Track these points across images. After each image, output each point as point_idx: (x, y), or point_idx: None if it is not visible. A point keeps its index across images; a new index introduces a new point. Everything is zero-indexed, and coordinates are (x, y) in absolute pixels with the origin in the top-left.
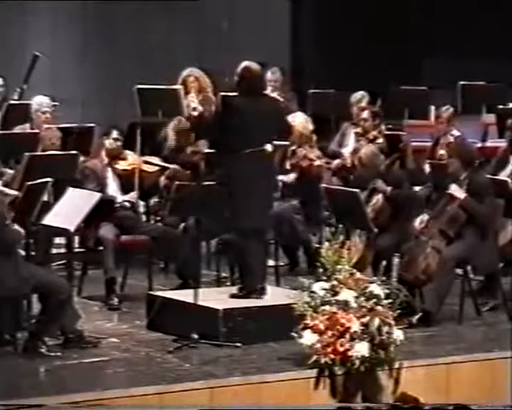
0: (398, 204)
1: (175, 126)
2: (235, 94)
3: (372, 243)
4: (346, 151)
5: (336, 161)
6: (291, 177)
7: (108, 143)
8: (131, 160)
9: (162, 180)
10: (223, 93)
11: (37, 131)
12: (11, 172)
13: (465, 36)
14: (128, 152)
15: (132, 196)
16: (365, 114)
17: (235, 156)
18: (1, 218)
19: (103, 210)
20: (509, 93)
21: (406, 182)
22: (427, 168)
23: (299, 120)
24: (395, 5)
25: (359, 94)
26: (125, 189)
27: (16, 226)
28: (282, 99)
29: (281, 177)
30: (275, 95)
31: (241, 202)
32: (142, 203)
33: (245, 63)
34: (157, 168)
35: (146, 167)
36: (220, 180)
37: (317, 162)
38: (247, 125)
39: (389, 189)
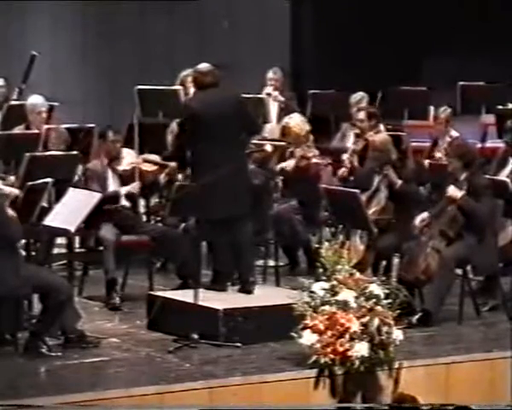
0: (403, 201)
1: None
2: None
3: (373, 244)
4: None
5: (341, 170)
6: (291, 164)
7: (106, 144)
8: (130, 159)
9: (162, 178)
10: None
11: (36, 131)
12: (12, 178)
13: (465, 36)
14: (127, 151)
15: (134, 186)
16: (361, 115)
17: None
18: (1, 212)
19: (106, 204)
20: (509, 93)
21: (413, 181)
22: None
23: (296, 121)
24: (395, 5)
25: (359, 95)
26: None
27: (17, 223)
28: (282, 98)
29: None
30: (276, 94)
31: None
32: (142, 203)
33: None
34: (156, 167)
35: (145, 166)
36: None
37: (315, 160)
38: (207, 123)
39: (400, 181)
